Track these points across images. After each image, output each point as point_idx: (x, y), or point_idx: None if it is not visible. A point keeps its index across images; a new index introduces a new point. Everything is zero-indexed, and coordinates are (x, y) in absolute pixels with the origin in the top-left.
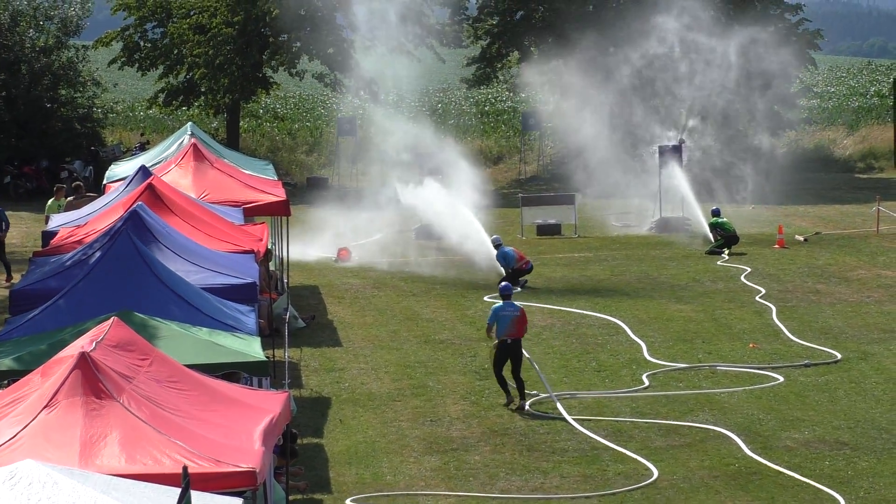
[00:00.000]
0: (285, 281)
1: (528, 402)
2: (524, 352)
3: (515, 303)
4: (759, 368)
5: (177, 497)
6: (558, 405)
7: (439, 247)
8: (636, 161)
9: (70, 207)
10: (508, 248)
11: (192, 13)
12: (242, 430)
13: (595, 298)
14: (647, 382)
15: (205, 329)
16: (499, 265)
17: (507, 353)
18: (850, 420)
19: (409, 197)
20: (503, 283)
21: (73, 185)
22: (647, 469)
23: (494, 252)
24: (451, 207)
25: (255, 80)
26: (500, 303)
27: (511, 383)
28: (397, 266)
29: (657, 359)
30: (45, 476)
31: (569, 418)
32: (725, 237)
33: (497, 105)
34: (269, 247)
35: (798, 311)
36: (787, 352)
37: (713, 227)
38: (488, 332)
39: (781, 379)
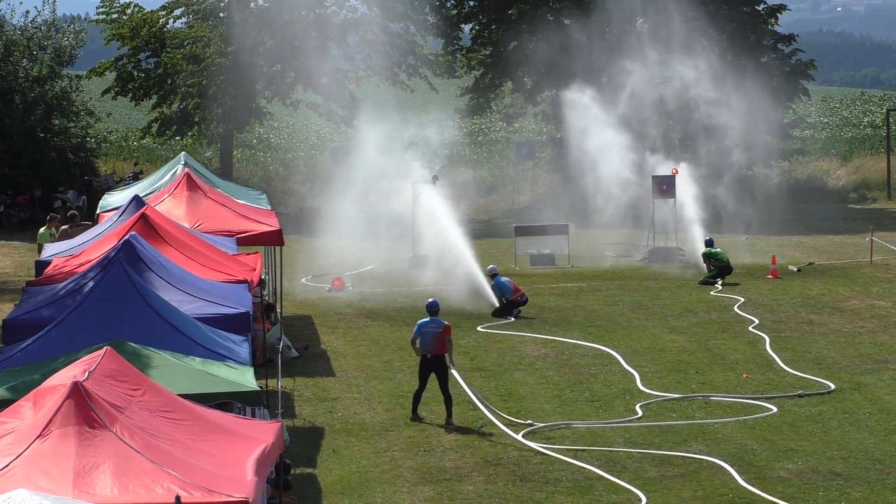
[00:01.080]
0: (278, 311)
1: (452, 423)
2: (454, 371)
3: (442, 320)
4: (752, 398)
5: None
6: (487, 413)
7: (433, 277)
8: (630, 191)
9: (65, 236)
10: (504, 279)
11: (185, 43)
12: (235, 459)
13: (588, 328)
14: (640, 412)
15: (198, 359)
16: (492, 295)
17: (429, 368)
18: (844, 450)
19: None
20: (431, 300)
21: (68, 213)
22: (640, 499)
23: (489, 282)
24: (447, 236)
25: (249, 110)
26: (426, 318)
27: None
28: (391, 296)
29: (651, 389)
30: None
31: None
32: (719, 267)
33: (490, 135)
34: (263, 276)
35: (791, 342)
36: (780, 382)
37: (706, 257)
38: (413, 345)
39: (775, 409)
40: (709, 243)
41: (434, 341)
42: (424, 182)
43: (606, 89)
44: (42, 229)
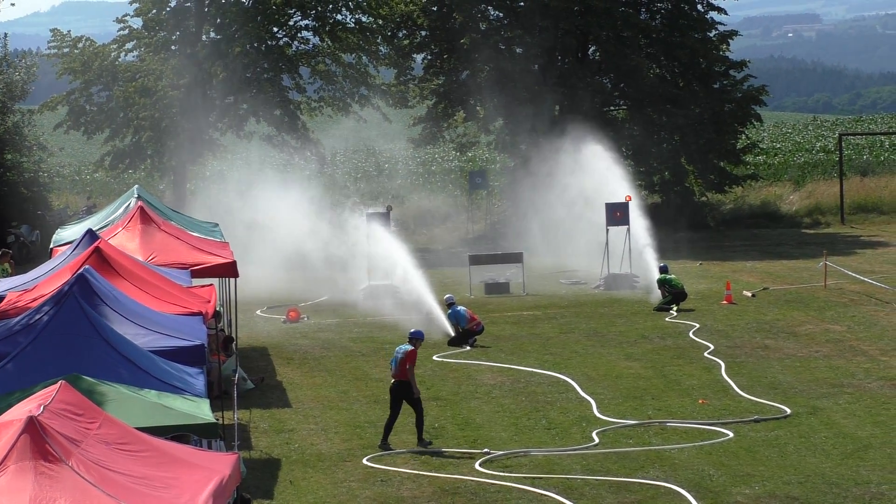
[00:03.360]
0: (234, 342)
1: (424, 440)
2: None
3: (406, 346)
4: (708, 424)
5: None
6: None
7: (388, 307)
8: (584, 218)
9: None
10: (461, 308)
11: (137, 76)
12: (192, 491)
13: (544, 356)
14: (596, 439)
15: (153, 392)
16: (448, 324)
17: (395, 393)
18: (801, 475)
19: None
20: (413, 330)
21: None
22: None
23: (445, 311)
24: (402, 266)
25: (202, 142)
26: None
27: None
28: (346, 326)
29: (607, 416)
30: None
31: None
32: (673, 293)
33: (444, 164)
34: (218, 308)
35: (747, 367)
36: (736, 407)
37: (661, 283)
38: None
39: (731, 434)
40: (663, 270)
41: (398, 367)
42: (379, 212)
43: (557, 117)
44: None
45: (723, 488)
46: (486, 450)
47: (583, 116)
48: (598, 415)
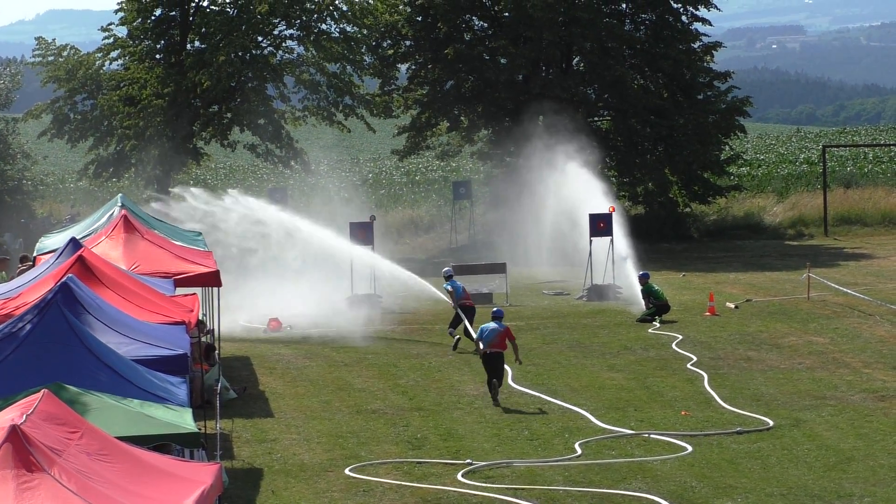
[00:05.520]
0: (216, 352)
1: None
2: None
3: (492, 324)
4: (691, 434)
5: None
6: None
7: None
8: (567, 229)
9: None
10: (458, 284)
11: (122, 85)
12: (174, 502)
13: (527, 367)
14: (579, 451)
15: (136, 401)
16: (445, 293)
17: (491, 362)
18: (783, 487)
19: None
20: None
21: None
22: None
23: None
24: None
25: (186, 151)
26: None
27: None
28: (329, 336)
29: (591, 426)
30: None
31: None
32: (657, 305)
33: (427, 174)
34: (201, 318)
35: (730, 379)
36: (718, 419)
37: (645, 293)
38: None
39: (690, 448)
40: (644, 277)
41: (497, 339)
42: (362, 222)
43: (541, 128)
44: None
45: (705, 500)
46: (468, 460)
47: (567, 127)
48: (595, 422)
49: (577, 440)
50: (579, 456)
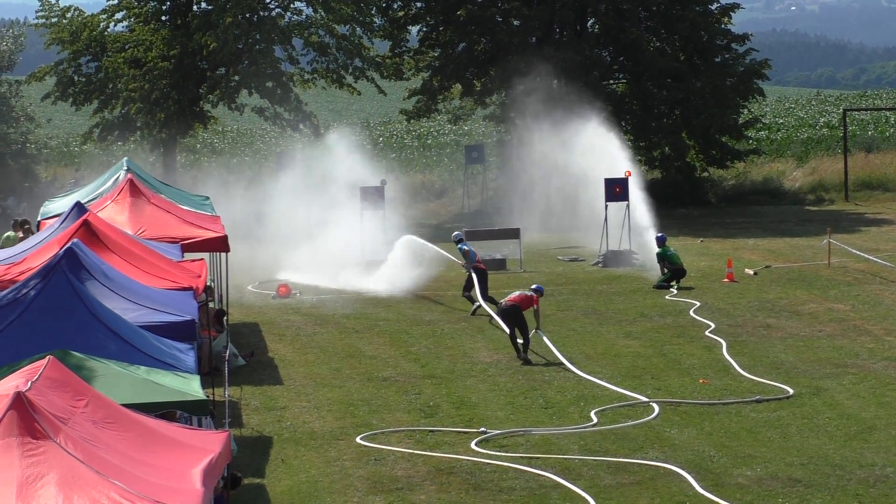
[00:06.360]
0: (225, 316)
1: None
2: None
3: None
4: (707, 403)
5: None
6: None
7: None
8: (582, 193)
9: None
10: (470, 247)
11: (126, 47)
12: (182, 470)
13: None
14: (595, 419)
15: (143, 368)
16: (459, 255)
17: (508, 315)
18: (803, 456)
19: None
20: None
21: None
22: None
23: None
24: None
25: (193, 114)
26: None
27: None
28: (339, 302)
29: (607, 394)
30: None
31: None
32: (672, 270)
33: (439, 138)
34: (209, 283)
35: (748, 346)
36: (737, 387)
37: (661, 257)
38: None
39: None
40: (661, 240)
41: (518, 296)
42: (373, 186)
43: (555, 91)
44: (10, 233)
45: (724, 469)
46: (482, 429)
47: (581, 90)
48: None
49: (593, 408)
50: (595, 424)
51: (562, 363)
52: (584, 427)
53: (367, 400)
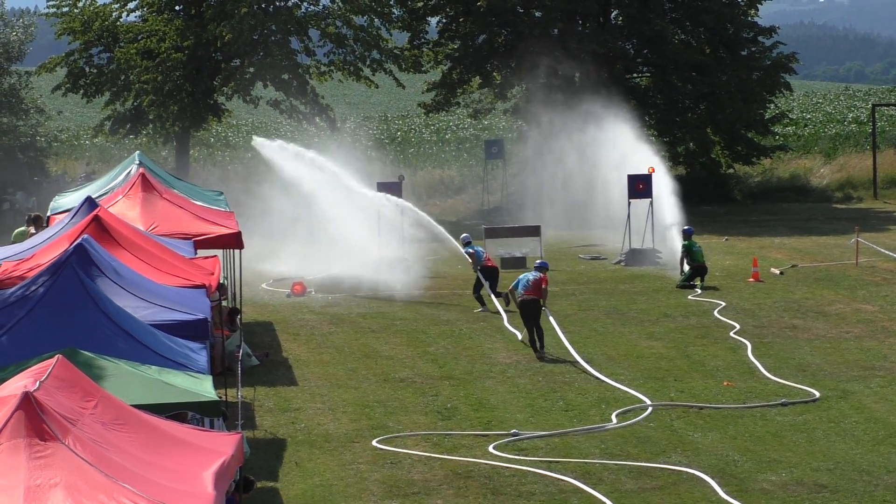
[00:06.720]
0: (239, 315)
1: (544, 353)
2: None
3: (533, 273)
4: (731, 407)
5: None
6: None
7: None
8: (605, 190)
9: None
10: (478, 248)
11: (139, 38)
12: (193, 473)
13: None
14: (616, 422)
15: (154, 367)
16: (467, 257)
17: (527, 310)
18: (830, 461)
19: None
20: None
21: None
22: None
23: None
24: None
25: (206, 107)
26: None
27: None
28: (355, 301)
29: (628, 397)
30: None
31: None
32: (694, 267)
33: (458, 133)
34: (222, 281)
35: (774, 348)
36: (762, 390)
37: (685, 250)
38: (511, 293)
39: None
40: (688, 233)
41: (532, 286)
42: (391, 182)
43: (577, 84)
44: (23, 228)
45: (748, 475)
46: (513, 431)
47: (604, 84)
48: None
49: (614, 410)
50: (616, 427)
51: (579, 363)
52: (604, 426)
53: (383, 401)
